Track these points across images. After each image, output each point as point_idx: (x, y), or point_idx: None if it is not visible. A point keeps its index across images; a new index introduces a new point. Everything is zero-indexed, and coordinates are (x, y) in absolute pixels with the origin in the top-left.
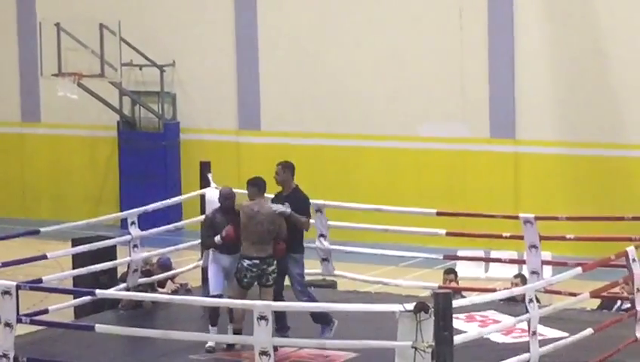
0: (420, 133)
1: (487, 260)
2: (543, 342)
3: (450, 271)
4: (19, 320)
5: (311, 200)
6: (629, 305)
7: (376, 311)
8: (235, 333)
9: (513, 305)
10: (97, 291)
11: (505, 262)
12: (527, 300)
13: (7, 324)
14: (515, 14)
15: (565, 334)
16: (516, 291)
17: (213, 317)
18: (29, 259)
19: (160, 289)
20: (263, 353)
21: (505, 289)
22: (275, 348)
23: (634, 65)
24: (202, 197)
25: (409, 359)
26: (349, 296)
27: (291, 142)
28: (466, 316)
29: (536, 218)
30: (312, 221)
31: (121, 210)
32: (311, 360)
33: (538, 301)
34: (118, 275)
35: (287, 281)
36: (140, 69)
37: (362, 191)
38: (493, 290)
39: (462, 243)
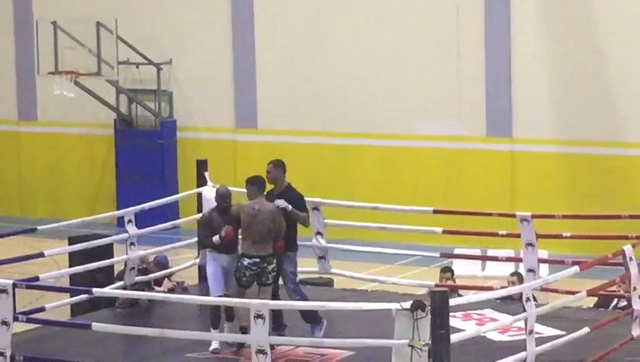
0: (417, 132)
1: (484, 258)
2: (540, 341)
3: (447, 270)
4: (15, 319)
5: (308, 198)
6: (625, 304)
7: (372, 310)
8: (241, 331)
9: (510, 303)
10: (94, 289)
11: (501, 260)
12: (524, 299)
13: (4, 322)
14: (512, 13)
15: (562, 332)
16: (513, 290)
17: (214, 320)
18: (25, 257)
19: (157, 288)
20: (260, 351)
21: (502, 287)
22: (272, 347)
23: (630, 63)
24: (199, 195)
25: (406, 357)
26: (345, 294)
27: (288, 140)
28: (463, 314)
29: (533, 216)
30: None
31: (118, 208)
32: (308, 358)
33: (535, 299)
34: (115, 273)
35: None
36: (137, 67)
37: (359, 190)
38: (490, 288)
39: (458, 242)
